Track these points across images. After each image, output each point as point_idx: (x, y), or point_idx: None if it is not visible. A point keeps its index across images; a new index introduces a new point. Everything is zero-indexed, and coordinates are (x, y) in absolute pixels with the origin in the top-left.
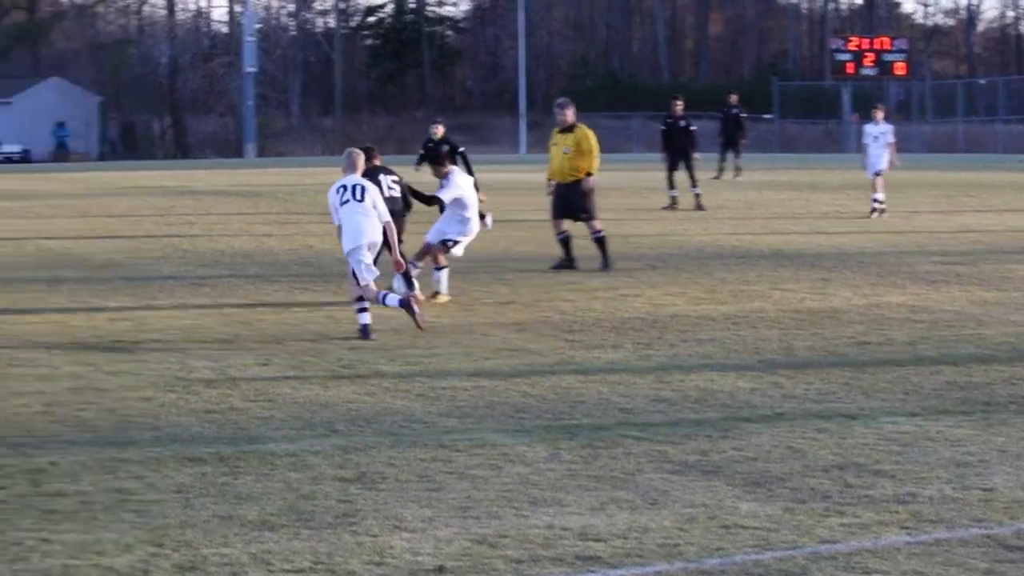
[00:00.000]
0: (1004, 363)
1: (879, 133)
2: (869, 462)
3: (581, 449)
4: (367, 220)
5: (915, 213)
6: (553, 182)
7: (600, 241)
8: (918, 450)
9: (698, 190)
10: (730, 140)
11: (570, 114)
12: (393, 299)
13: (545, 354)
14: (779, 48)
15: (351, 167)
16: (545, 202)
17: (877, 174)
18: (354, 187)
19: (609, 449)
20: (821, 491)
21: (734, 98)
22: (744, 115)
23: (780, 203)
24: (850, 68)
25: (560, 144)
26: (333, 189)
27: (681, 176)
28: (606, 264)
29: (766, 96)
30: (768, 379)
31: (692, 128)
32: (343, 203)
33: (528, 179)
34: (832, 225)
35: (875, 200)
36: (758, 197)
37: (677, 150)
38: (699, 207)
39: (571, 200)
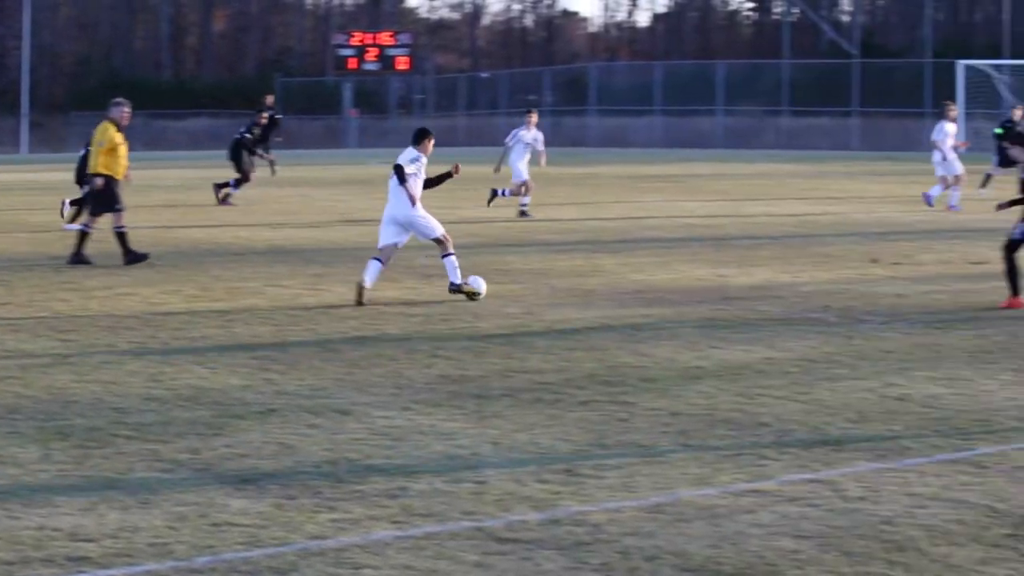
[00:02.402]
0: (498, 356)
1: (533, 139)
2: (361, 457)
3: (73, 449)
4: None
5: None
6: (101, 179)
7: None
8: (410, 444)
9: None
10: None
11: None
12: None
13: (39, 355)
14: (284, 45)
15: None
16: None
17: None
18: None
19: (101, 449)
20: (312, 487)
21: (270, 99)
22: (279, 116)
23: (279, 200)
24: (352, 64)
25: (124, 142)
26: None
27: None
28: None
29: (270, 92)
30: (261, 376)
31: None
32: None
33: (33, 179)
34: (330, 221)
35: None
36: (259, 194)
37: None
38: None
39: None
